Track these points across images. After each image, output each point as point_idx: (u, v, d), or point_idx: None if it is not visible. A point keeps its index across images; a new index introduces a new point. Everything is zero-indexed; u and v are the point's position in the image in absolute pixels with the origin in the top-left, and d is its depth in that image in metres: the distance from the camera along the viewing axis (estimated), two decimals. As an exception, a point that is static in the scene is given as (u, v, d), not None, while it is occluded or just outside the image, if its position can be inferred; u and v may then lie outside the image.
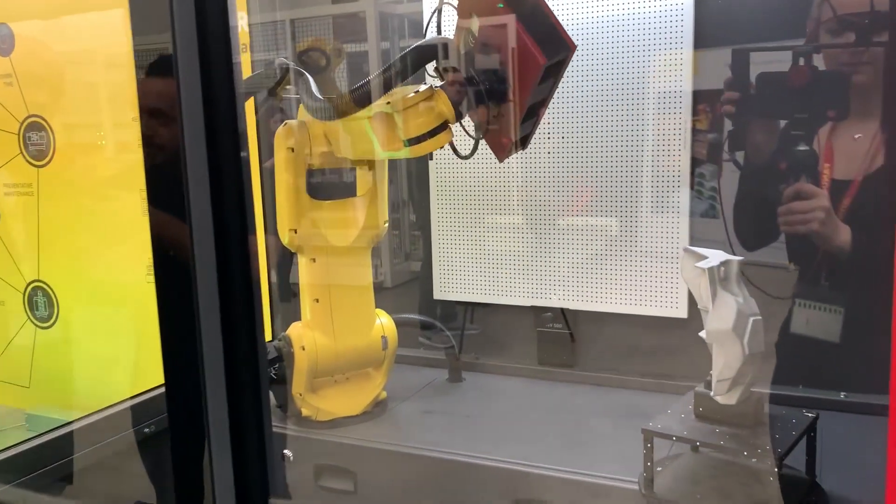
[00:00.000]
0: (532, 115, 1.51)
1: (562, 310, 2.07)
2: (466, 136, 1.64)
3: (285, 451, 1.85)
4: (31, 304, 2.33)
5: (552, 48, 1.43)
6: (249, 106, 1.80)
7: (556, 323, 2.09)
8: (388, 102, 1.56)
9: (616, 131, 1.94)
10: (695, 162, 1.86)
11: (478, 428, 1.84)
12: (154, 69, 1.00)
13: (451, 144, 1.59)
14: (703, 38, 1.82)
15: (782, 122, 1.53)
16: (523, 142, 1.56)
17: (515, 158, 2.06)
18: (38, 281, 2.31)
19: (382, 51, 2.29)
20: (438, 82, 1.57)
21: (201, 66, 0.96)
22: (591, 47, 1.92)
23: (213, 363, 1.03)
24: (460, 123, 1.58)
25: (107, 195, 2.18)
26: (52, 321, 2.31)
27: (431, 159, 2.15)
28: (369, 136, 1.57)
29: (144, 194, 1.11)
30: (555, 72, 1.47)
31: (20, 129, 2.25)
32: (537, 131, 1.88)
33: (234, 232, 1.01)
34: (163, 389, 1.13)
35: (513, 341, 2.19)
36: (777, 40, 1.60)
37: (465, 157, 1.59)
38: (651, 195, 1.93)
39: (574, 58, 1.48)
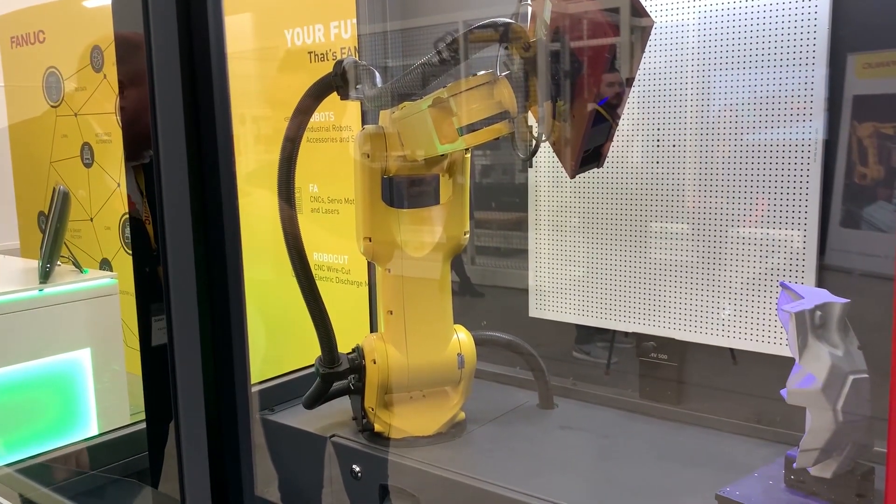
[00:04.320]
0: (604, 119, 1.33)
1: (667, 339, 1.84)
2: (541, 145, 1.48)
3: (354, 467, 1.79)
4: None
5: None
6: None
7: (661, 354, 1.87)
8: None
9: (742, 137, 1.70)
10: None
11: (553, 464, 1.68)
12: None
13: (513, 140, 1.44)
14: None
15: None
16: (597, 154, 1.38)
17: (625, 164, 1.86)
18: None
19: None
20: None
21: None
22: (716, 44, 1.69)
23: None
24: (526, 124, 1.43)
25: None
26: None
27: (531, 166, 2.01)
28: (430, 129, 1.47)
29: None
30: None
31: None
32: (648, 137, 1.68)
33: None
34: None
35: (614, 368, 1.99)
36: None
37: (527, 158, 1.43)
38: (779, 209, 1.66)
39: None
